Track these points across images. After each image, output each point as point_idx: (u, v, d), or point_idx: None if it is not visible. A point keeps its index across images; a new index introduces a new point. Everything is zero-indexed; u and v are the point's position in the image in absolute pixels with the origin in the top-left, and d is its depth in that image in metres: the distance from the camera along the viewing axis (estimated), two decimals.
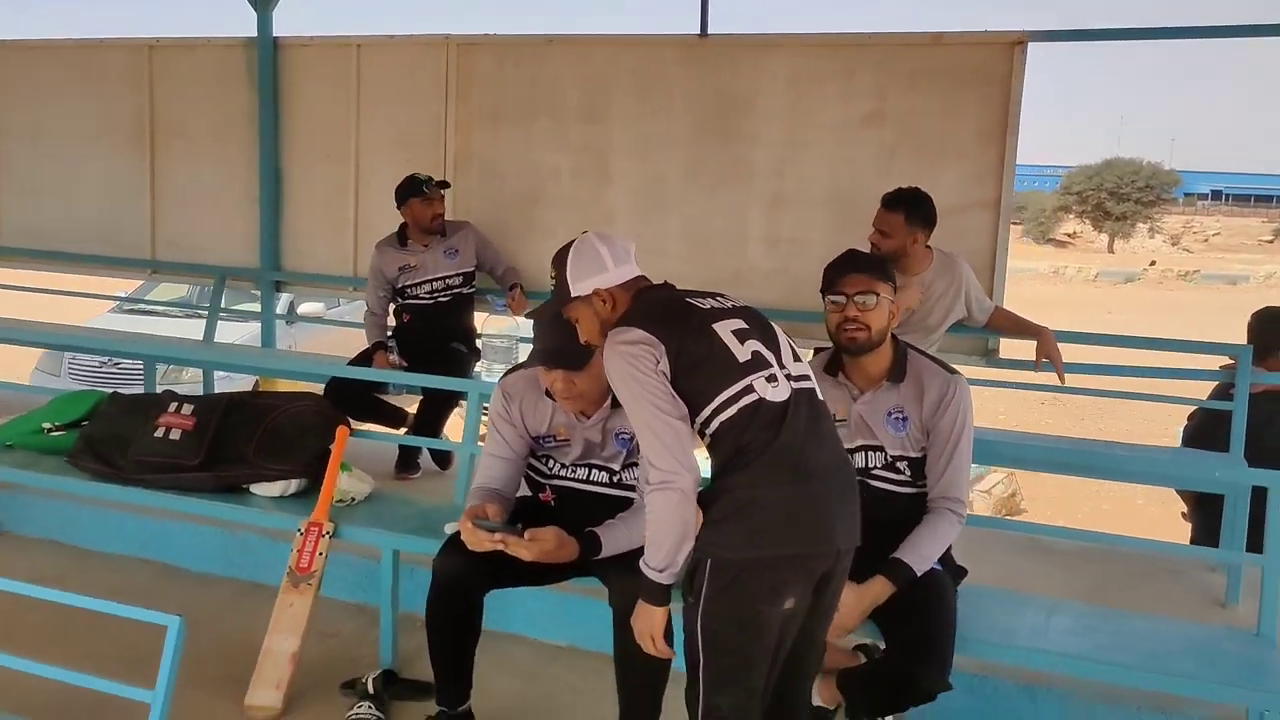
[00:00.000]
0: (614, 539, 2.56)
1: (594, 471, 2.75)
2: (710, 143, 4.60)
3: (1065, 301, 25.55)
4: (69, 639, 3.02)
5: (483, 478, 2.75)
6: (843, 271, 2.63)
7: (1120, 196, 47.51)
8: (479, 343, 4.82)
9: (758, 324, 2.25)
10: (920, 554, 2.54)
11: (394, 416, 4.70)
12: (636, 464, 2.68)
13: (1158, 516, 4.94)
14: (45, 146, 5.94)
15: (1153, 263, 38.76)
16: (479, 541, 2.51)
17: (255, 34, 5.33)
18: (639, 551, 2.38)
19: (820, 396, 2.25)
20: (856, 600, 2.49)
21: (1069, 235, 51.20)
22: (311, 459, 3.38)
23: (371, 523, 3.25)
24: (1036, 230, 50.06)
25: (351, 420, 4.35)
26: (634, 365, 2.12)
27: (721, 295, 2.32)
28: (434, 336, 4.61)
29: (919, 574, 2.53)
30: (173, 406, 3.49)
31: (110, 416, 3.61)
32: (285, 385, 6.16)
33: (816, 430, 2.16)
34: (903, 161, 4.23)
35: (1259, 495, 2.91)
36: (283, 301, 9.33)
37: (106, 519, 4.07)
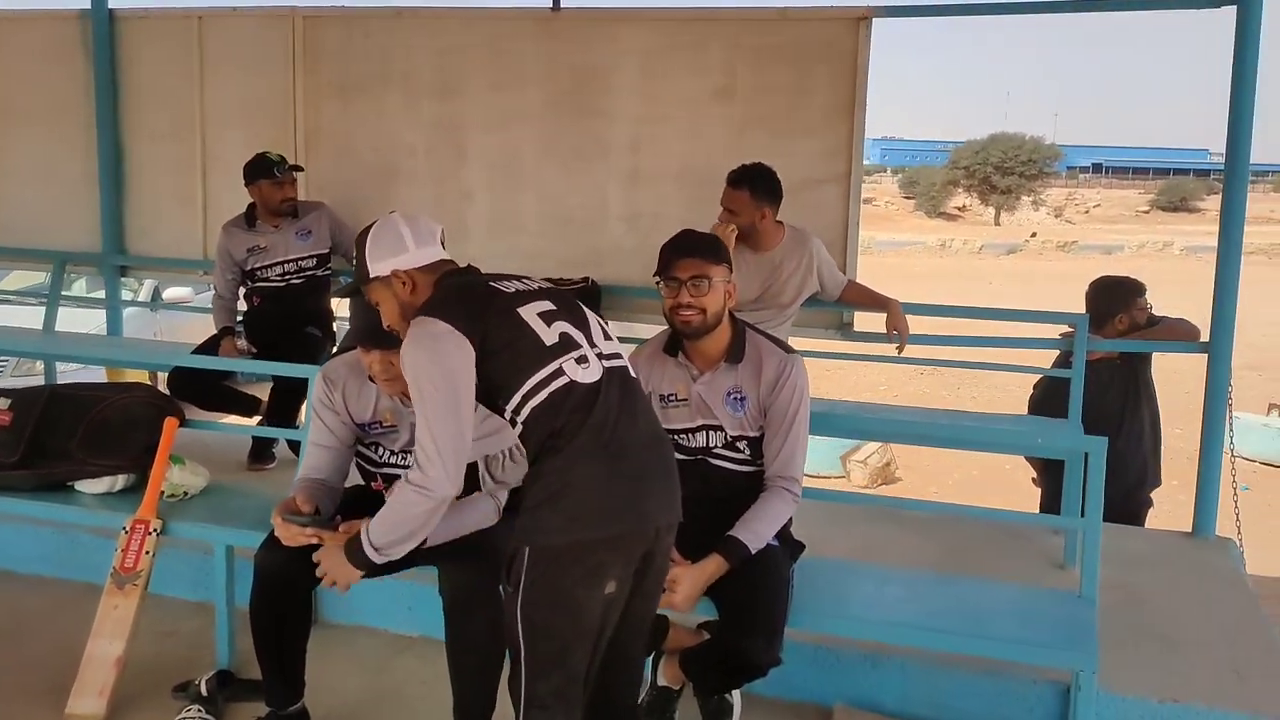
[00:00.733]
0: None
1: None
2: (566, 118, 4.52)
3: (949, 273, 26.35)
4: None
5: (307, 468, 2.66)
6: (676, 255, 2.60)
7: (1005, 170, 49.05)
8: (335, 326, 4.68)
9: (565, 304, 2.21)
10: (755, 531, 2.55)
11: (246, 404, 4.55)
12: None
13: (1022, 481, 5.11)
14: None
15: (1034, 235, 40.20)
16: (291, 536, 2.44)
17: (89, 5, 5.05)
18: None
19: (634, 374, 2.23)
20: (692, 578, 2.48)
21: (959, 209, 52.71)
22: (140, 452, 3.24)
23: (205, 517, 3.14)
24: (928, 204, 51.39)
25: (201, 410, 4.19)
26: (435, 363, 2.07)
27: (526, 278, 2.28)
28: (286, 320, 4.44)
29: (753, 551, 2.53)
30: None
31: None
32: (134, 376, 5.91)
33: (629, 408, 2.13)
34: (753, 137, 4.21)
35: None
36: (147, 287, 8.96)
37: None
